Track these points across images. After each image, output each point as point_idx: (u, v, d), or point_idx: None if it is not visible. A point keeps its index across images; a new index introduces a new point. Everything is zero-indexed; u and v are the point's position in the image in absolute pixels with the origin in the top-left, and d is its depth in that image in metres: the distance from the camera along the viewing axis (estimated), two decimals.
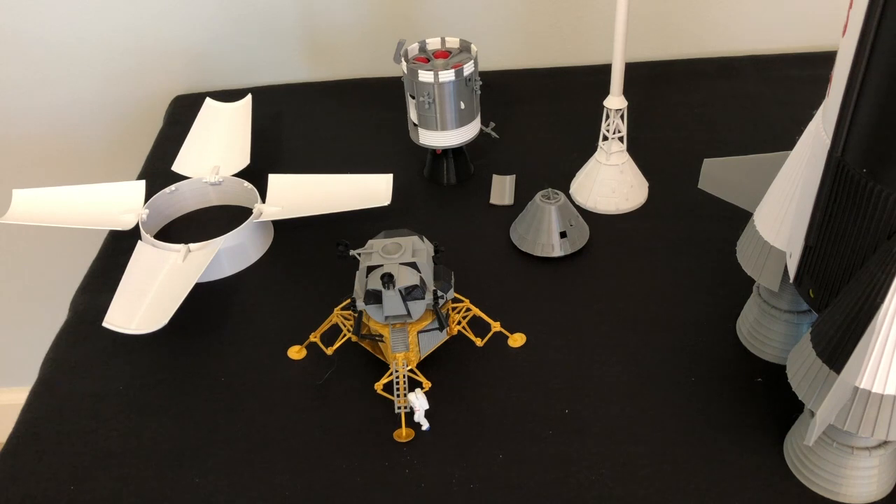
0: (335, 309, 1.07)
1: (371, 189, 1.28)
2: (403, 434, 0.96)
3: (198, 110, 1.50)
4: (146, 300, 1.10)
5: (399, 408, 0.96)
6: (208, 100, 1.53)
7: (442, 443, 0.96)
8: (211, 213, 1.35)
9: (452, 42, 1.31)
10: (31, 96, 1.71)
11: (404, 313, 0.97)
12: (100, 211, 1.27)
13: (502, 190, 1.34)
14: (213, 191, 1.35)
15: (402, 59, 1.26)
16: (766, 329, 1.00)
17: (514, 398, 1.00)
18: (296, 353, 1.08)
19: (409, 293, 0.95)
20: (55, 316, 1.23)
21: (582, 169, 1.32)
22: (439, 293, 0.99)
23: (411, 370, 0.99)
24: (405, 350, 0.99)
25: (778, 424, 0.94)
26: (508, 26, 1.66)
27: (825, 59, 1.58)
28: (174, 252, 1.18)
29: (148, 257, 1.17)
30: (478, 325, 1.08)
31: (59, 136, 1.77)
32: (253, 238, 1.24)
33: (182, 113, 1.60)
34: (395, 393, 0.96)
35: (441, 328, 1.01)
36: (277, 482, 0.93)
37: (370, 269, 0.96)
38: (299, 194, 1.28)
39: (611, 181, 1.26)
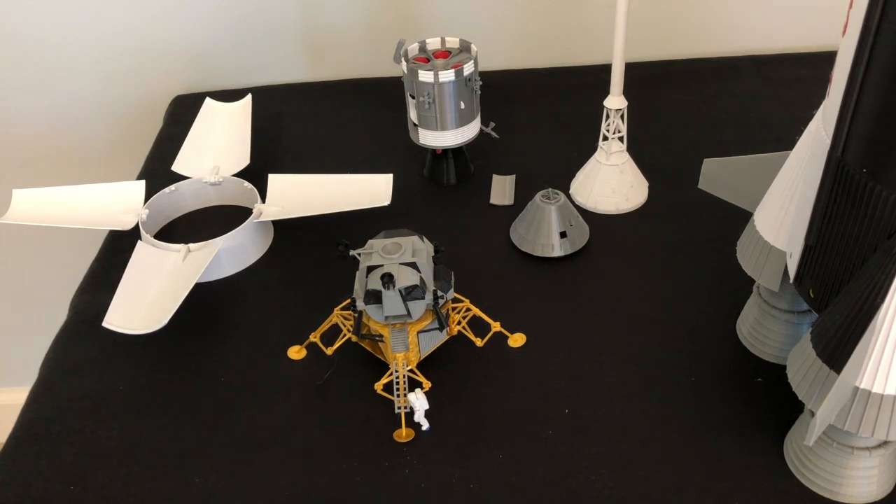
0: (335, 309, 1.07)
1: (371, 189, 1.27)
2: (403, 434, 0.96)
3: (198, 110, 1.50)
4: (146, 300, 1.10)
5: (399, 408, 0.96)
6: (208, 100, 1.52)
7: (442, 443, 0.96)
8: (211, 213, 1.35)
9: (452, 42, 1.31)
10: (31, 96, 1.71)
11: (404, 313, 0.97)
12: (100, 211, 1.27)
13: (502, 190, 1.34)
14: (213, 191, 1.35)
15: (402, 59, 1.26)
16: (766, 329, 1.00)
17: (514, 398, 1.00)
18: (296, 353, 1.08)
19: (409, 293, 0.95)
20: (55, 316, 1.23)
21: (582, 169, 1.32)
22: (439, 293, 0.99)
23: (411, 370, 0.99)
24: (405, 350, 0.99)
25: (778, 424, 0.94)
26: (508, 26, 1.66)
27: (825, 59, 1.57)
28: (174, 252, 1.18)
29: (148, 257, 1.17)
30: (478, 325, 1.08)
31: (59, 136, 1.77)
32: (253, 238, 1.24)
33: (182, 113, 1.60)
34: (395, 393, 0.96)
35: (441, 328, 1.01)
36: (277, 482, 0.93)
37: (370, 269, 0.96)
38: (299, 194, 1.28)
39: (611, 181, 1.26)
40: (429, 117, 1.28)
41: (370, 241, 1.00)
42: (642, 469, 0.91)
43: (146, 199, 1.29)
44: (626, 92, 1.21)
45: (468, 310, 1.07)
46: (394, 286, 0.94)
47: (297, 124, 1.57)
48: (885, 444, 0.83)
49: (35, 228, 1.84)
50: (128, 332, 1.05)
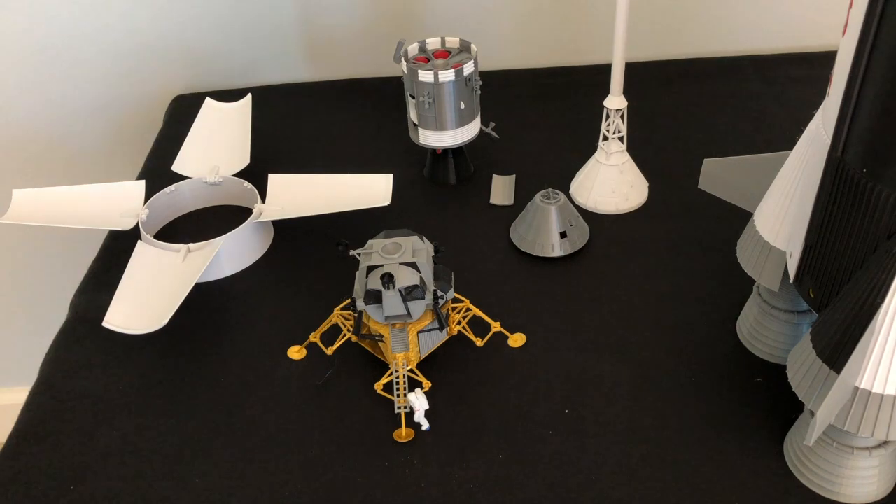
0: (335, 309, 1.07)
1: (371, 189, 1.27)
2: (403, 434, 0.96)
3: (198, 110, 1.50)
4: (146, 300, 1.10)
5: (399, 408, 0.96)
6: (208, 100, 1.52)
7: (442, 443, 0.96)
8: (211, 213, 1.35)
9: (452, 42, 1.31)
10: (31, 96, 1.71)
11: (404, 313, 0.97)
12: (100, 211, 1.27)
13: (502, 190, 1.34)
14: (213, 191, 1.35)
15: (402, 59, 1.26)
16: (766, 329, 1.00)
17: (515, 398, 1.00)
18: (296, 353, 1.08)
19: (409, 293, 0.95)
20: (55, 316, 1.23)
21: (582, 169, 1.32)
22: (439, 293, 0.99)
23: (411, 370, 0.99)
24: (405, 350, 0.99)
25: (778, 424, 0.94)
26: (508, 26, 1.66)
27: (825, 59, 1.58)
28: (174, 252, 1.18)
29: (148, 257, 1.17)
30: (478, 325, 1.08)
31: (59, 136, 1.77)
32: (253, 238, 1.24)
33: (182, 113, 1.60)
34: (395, 393, 0.96)
35: (441, 328, 1.01)
36: (277, 482, 0.93)
37: (370, 269, 0.96)
38: (299, 194, 1.28)
39: (611, 181, 1.26)
40: (429, 117, 1.28)
41: (370, 241, 1.00)
42: (642, 469, 0.91)
43: (146, 199, 1.29)
44: (626, 92, 1.21)
45: (468, 310, 1.07)
46: (394, 286, 0.94)
47: (297, 124, 1.57)
48: (885, 444, 0.83)
49: (35, 228, 1.84)
50: (128, 332, 1.05)
